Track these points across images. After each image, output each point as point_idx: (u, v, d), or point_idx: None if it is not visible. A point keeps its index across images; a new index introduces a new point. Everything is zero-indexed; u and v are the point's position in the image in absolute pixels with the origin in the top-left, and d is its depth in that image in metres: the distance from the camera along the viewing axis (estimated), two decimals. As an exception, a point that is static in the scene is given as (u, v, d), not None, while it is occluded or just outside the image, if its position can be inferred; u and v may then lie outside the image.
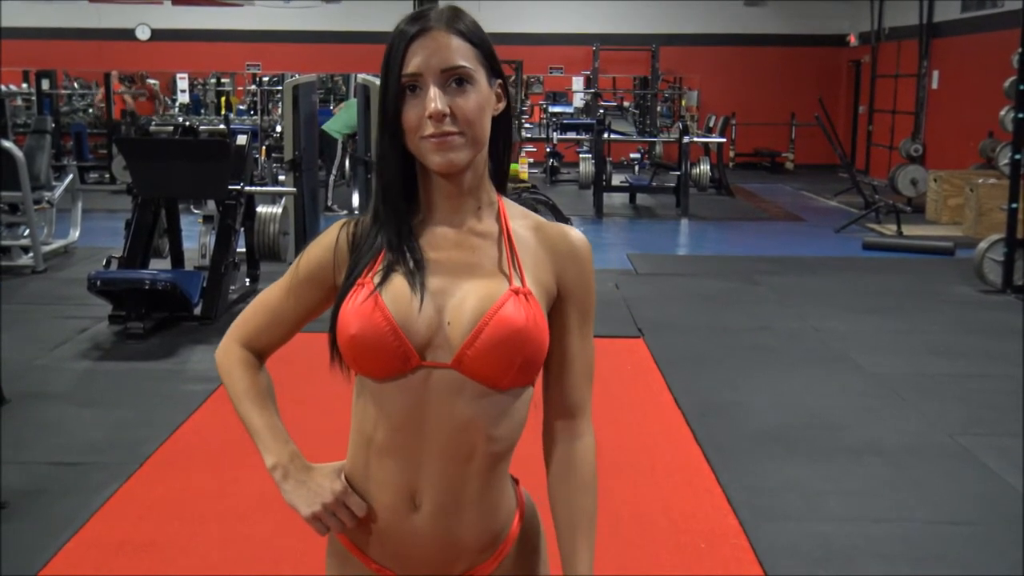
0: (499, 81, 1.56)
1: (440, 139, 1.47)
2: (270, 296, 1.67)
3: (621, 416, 5.33)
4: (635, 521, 4.10)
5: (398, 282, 1.50)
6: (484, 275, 1.52)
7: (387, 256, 1.53)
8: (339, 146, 13.13)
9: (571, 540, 1.60)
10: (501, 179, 1.62)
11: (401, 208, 1.55)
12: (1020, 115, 8.54)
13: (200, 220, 8.76)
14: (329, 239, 1.61)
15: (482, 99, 1.50)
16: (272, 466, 1.59)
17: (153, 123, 15.44)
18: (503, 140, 1.60)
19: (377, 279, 1.51)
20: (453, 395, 1.49)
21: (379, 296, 1.49)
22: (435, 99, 1.47)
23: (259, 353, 1.69)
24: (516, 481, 1.67)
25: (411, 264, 1.52)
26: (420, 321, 1.49)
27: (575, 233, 1.61)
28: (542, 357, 1.54)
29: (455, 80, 1.48)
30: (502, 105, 1.57)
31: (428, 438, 1.51)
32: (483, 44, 1.53)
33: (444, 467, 1.52)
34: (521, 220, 1.60)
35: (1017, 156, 8.57)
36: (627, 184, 14.95)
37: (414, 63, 1.48)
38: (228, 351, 1.68)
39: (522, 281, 1.52)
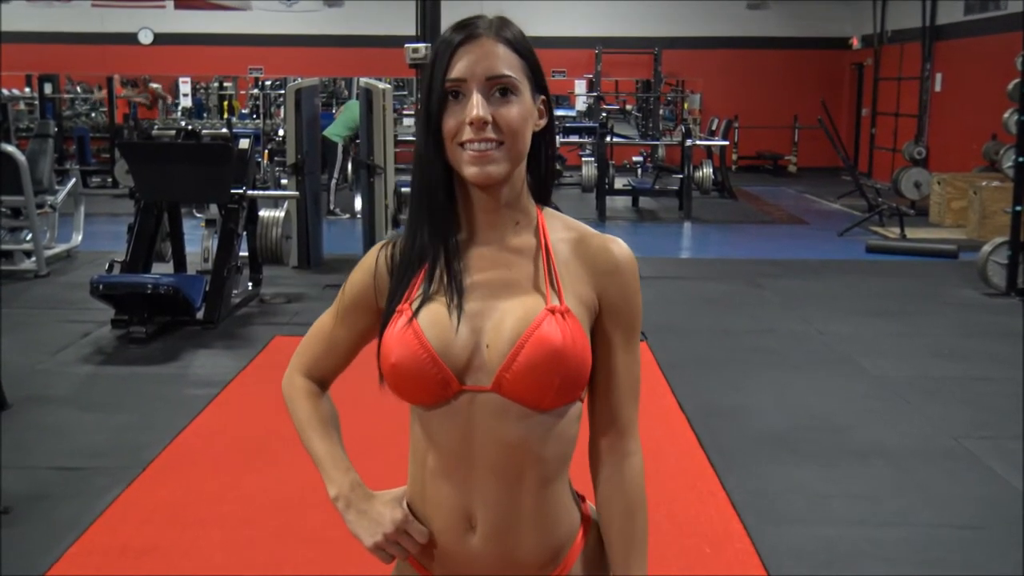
0: (543, 97, 1.53)
1: (479, 150, 1.44)
2: (323, 324, 1.67)
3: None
4: (639, 525, 4.09)
5: (435, 307, 1.49)
6: (521, 294, 1.49)
7: (425, 279, 1.51)
8: (339, 149, 13.14)
9: (624, 561, 1.58)
10: (544, 195, 1.59)
11: (446, 222, 1.52)
12: (1023, 118, 8.52)
13: (202, 224, 8.77)
14: (369, 263, 1.60)
15: (525, 111, 1.48)
16: (335, 496, 1.58)
17: (156, 127, 15.46)
18: (545, 156, 1.57)
19: (415, 304, 1.49)
20: (497, 418, 1.48)
21: (416, 323, 1.48)
22: (477, 105, 1.44)
23: (320, 381, 1.68)
24: (582, 499, 1.64)
25: (449, 286, 1.50)
26: (457, 345, 1.47)
27: (619, 246, 1.57)
28: (585, 375, 1.50)
29: (499, 89, 1.46)
30: (543, 121, 1.54)
31: (477, 461, 1.49)
32: (530, 57, 1.50)
33: (496, 488, 1.50)
34: (563, 233, 1.56)
35: (1021, 159, 8.55)
36: (630, 187, 14.97)
37: (459, 68, 1.45)
38: (291, 381, 1.68)
39: (560, 298, 1.48)
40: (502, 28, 1.49)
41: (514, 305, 1.48)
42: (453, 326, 1.47)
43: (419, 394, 1.49)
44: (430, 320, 1.48)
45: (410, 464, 1.58)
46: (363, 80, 9.96)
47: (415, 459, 1.56)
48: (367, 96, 9.38)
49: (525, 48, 1.50)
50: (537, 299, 1.48)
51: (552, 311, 1.47)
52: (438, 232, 1.52)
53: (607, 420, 1.59)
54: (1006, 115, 9.92)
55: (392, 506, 1.56)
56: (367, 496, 1.58)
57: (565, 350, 1.45)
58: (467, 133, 1.45)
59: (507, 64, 1.46)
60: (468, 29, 1.47)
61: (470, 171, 1.46)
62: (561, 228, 1.57)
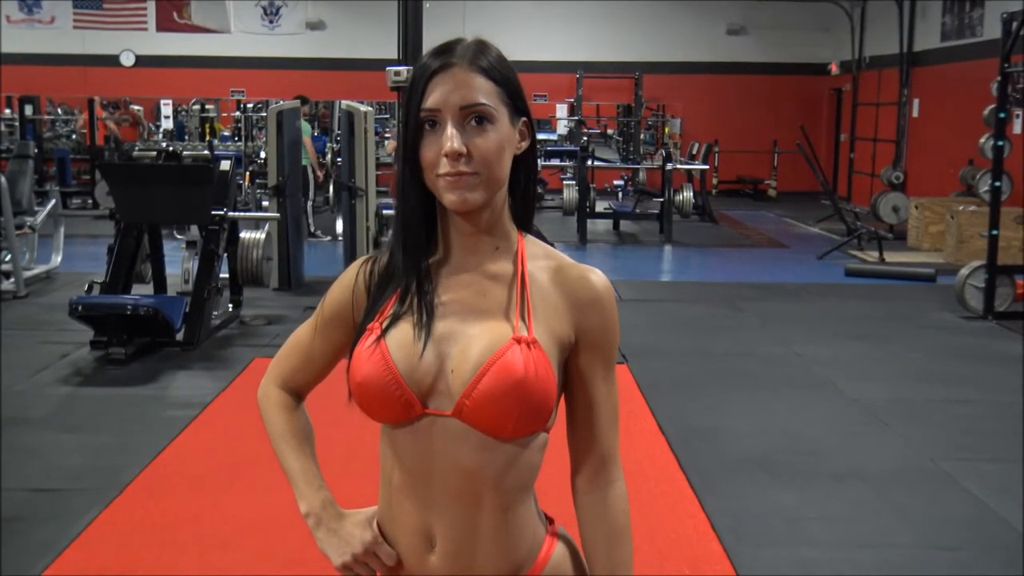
0: (523, 119, 1.53)
1: (455, 178, 1.44)
2: (301, 336, 1.67)
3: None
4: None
5: (404, 328, 1.49)
6: (491, 321, 1.48)
7: (399, 298, 1.51)
8: (309, 171, 13.13)
9: None
10: (526, 218, 1.58)
11: (420, 246, 1.53)
12: (999, 143, 8.62)
13: (183, 245, 8.74)
14: (348, 278, 1.60)
15: (502, 139, 1.47)
16: (306, 513, 1.59)
17: (136, 149, 15.41)
18: (526, 179, 1.56)
19: (385, 323, 1.50)
20: (458, 443, 1.47)
21: (383, 342, 1.48)
22: (452, 138, 1.43)
23: (296, 392, 1.68)
24: (550, 520, 1.63)
25: (420, 308, 1.49)
26: (422, 369, 1.47)
27: (598, 277, 1.55)
28: (548, 407, 1.48)
29: (475, 118, 1.45)
30: (525, 144, 1.53)
31: (437, 483, 1.50)
32: (507, 82, 1.49)
33: (454, 510, 1.50)
34: (542, 261, 1.55)
35: (997, 183, 8.65)
36: (611, 211, 15.00)
37: (433, 98, 1.45)
38: (266, 393, 1.68)
39: (529, 328, 1.47)
40: (478, 55, 1.48)
41: (482, 332, 1.47)
42: (419, 349, 1.47)
43: (383, 413, 1.50)
44: (398, 341, 1.48)
45: (380, 482, 1.59)
46: (345, 103, 9.97)
47: (383, 477, 1.57)
48: (348, 119, 9.39)
49: (502, 74, 1.49)
50: (506, 327, 1.47)
51: (518, 341, 1.45)
52: (414, 257, 1.52)
53: (589, 449, 1.58)
54: (982, 140, 10.04)
55: (363, 526, 1.57)
56: (338, 515, 1.58)
57: (527, 381, 1.44)
58: (444, 165, 1.44)
59: (482, 92, 1.46)
60: (444, 57, 1.47)
61: (448, 198, 1.46)
62: (541, 256, 1.56)
